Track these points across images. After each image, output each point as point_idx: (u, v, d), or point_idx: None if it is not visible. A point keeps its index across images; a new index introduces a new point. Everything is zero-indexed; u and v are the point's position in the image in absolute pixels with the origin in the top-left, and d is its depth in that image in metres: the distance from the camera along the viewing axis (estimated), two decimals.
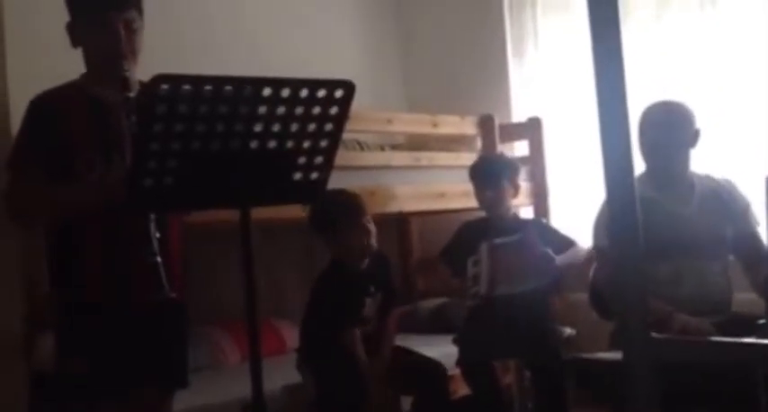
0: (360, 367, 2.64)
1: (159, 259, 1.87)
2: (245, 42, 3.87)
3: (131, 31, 2.00)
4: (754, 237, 2.59)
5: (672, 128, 2.54)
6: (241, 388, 2.16)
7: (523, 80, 4.21)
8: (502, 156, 3.48)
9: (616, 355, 2.31)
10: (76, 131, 1.96)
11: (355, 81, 1.65)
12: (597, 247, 2.63)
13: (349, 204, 2.69)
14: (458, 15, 4.46)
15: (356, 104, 1.72)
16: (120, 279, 1.98)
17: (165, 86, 1.41)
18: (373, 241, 2.73)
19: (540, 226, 3.25)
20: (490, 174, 3.02)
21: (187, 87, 1.42)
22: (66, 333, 2.02)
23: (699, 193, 2.60)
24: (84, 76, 2.06)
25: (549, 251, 2.90)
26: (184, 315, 2.12)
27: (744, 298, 2.57)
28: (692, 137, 2.58)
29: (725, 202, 2.61)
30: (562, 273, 2.98)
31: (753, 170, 3.21)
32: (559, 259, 2.93)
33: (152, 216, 1.89)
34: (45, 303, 2.10)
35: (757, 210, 2.60)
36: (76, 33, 2.03)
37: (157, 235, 1.88)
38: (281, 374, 2.81)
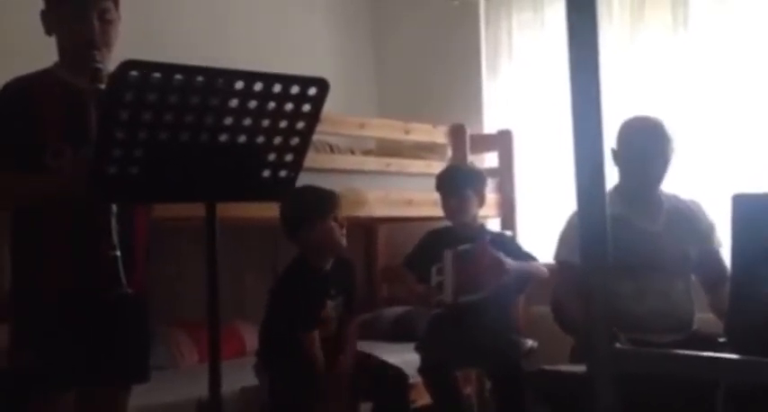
0: (317, 368, 2.62)
1: (118, 253, 1.83)
2: (216, 42, 3.84)
3: (105, 22, 1.96)
4: (717, 258, 2.62)
5: (657, 143, 2.55)
6: (198, 388, 2.13)
7: (496, 92, 4.24)
8: (468, 165, 3.50)
9: (577, 368, 2.32)
10: (48, 119, 1.92)
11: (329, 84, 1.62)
12: (560, 261, 2.63)
13: (327, 198, 2.71)
14: (434, 25, 4.48)
15: (328, 108, 1.70)
16: (78, 271, 1.94)
17: (133, 73, 1.37)
18: (343, 240, 2.72)
19: (504, 239, 3.24)
20: (454, 183, 3.03)
21: (157, 75, 1.39)
22: (20, 325, 1.97)
23: (666, 212, 2.62)
24: (57, 64, 2.02)
25: (502, 255, 2.86)
26: (144, 311, 2.08)
27: (705, 317, 2.59)
28: (670, 154, 2.60)
29: (690, 222, 2.63)
30: (520, 282, 2.96)
31: (720, 189, 3.25)
32: (513, 263, 2.89)
33: (114, 209, 1.86)
34: (7, 298, 2.04)
35: (723, 229, 2.62)
36: (51, 21, 2.00)
37: (117, 228, 1.85)
38: (239, 377, 2.77)
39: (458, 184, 3.02)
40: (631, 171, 2.55)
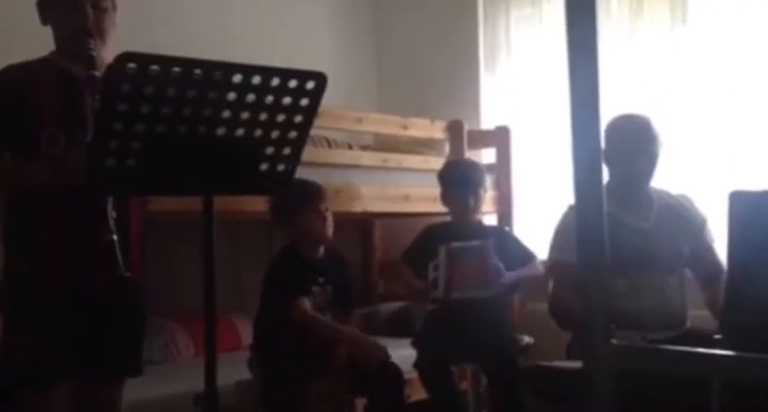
0: (318, 331, 2.65)
1: (115, 237, 1.84)
2: (216, 35, 3.83)
3: (100, 11, 1.98)
4: (710, 254, 2.62)
5: (642, 140, 2.55)
6: (194, 381, 2.12)
7: (494, 88, 4.24)
8: (472, 160, 3.49)
9: (573, 364, 2.32)
10: (44, 105, 1.93)
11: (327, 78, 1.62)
12: (554, 259, 2.62)
13: (309, 190, 2.73)
14: (433, 21, 4.48)
15: (327, 102, 1.70)
16: (75, 256, 1.94)
17: (131, 65, 1.37)
18: (329, 230, 2.76)
19: (503, 235, 3.25)
20: (472, 181, 3.00)
21: (155, 68, 1.39)
22: (13, 315, 1.97)
23: (657, 208, 2.62)
24: (53, 53, 2.03)
25: (500, 265, 2.87)
26: (141, 296, 2.08)
27: (698, 314, 2.59)
28: (658, 151, 2.59)
29: (682, 218, 2.63)
30: (511, 288, 2.98)
31: (717, 185, 3.25)
32: (510, 274, 2.90)
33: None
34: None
35: (719, 226, 2.62)
36: (46, 11, 2.01)
37: (114, 214, 1.85)
38: (235, 370, 2.77)
39: (475, 182, 3.00)
40: (620, 169, 2.54)
